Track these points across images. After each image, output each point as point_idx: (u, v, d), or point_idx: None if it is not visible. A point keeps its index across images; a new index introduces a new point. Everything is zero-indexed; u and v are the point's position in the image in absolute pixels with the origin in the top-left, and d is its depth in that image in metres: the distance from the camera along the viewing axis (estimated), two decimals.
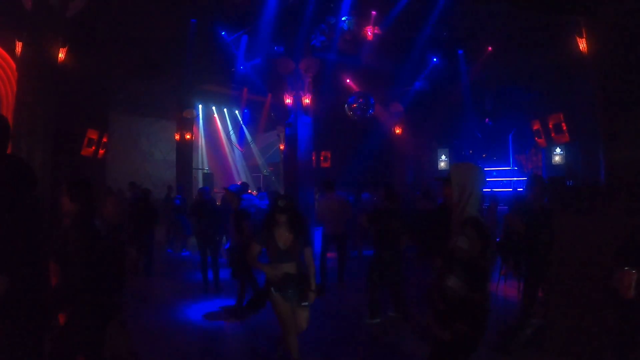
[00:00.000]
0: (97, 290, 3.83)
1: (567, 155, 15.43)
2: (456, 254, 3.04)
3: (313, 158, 21.69)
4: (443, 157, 21.27)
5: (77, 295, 3.74)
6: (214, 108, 25.47)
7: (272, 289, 5.02)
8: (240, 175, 26.23)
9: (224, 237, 13.51)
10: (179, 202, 14.40)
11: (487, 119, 19.59)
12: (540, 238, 5.77)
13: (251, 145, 27.47)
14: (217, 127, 26.28)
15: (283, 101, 18.92)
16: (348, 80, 21.00)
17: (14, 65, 13.04)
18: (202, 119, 24.77)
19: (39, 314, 3.24)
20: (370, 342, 6.86)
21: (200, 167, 23.90)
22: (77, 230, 3.85)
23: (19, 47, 11.78)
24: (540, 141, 16.43)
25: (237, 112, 25.94)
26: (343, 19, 17.36)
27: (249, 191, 14.78)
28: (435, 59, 18.98)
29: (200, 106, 23.81)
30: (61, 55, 11.59)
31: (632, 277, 3.33)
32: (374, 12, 17.88)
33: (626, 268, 3.47)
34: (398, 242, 7.31)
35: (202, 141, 25.27)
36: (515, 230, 6.32)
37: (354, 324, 7.58)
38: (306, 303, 5.13)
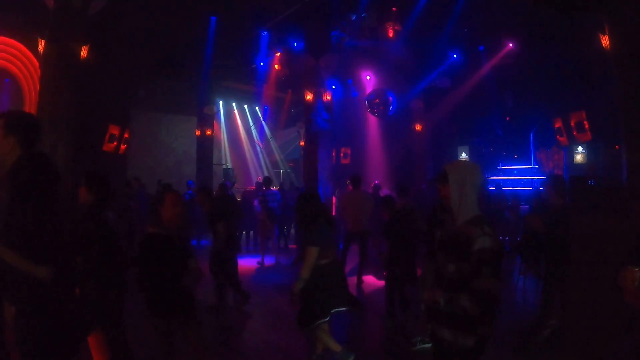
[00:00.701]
0: (107, 272, 4.05)
1: (589, 154, 15.23)
2: (484, 256, 2.87)
3: (333, 154, 21.75)
4: (463, 154, 21.17)
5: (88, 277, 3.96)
6: (234, 104, 25.61)
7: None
8: (259, 172, 26.36)
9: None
10: (188, 197, 14.36)
11: (507, 117, 19.45)
12: (559, 238, 5.71)
13: (271, 142, 27.57)
14: (237, 123, 26.42)
15: (303, 98, 18.97)
16: (368, 77, 20.95)
17: (36, 63, 13.23)
18: (223, 115, 24.93)
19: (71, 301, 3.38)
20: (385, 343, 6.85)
21: (220, 163, 24.03)
22: (87, 220, 4.08)
23: (41, 45, 11.95)
24: (562, 139, 16.23)
25: (257, 108, 26.06)
26: (363, 15, 17.33)
27: (273, 187, 14.75)
28: (455, 56, 18.85)
29: (220, 102, 23.96)
30: (83, 52, 11.73)
31: (635, 274, 3.18)
32: (394, 9, 17.84)
33: (629, 267, 3.34)
34: (413, 241, 7.22)
35: (223, 137, 25.43)
36: (535, 230, 6.27)
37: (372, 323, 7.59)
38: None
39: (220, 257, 7.88)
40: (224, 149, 25.58)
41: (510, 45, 17.32)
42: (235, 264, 8.30)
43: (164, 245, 4.03)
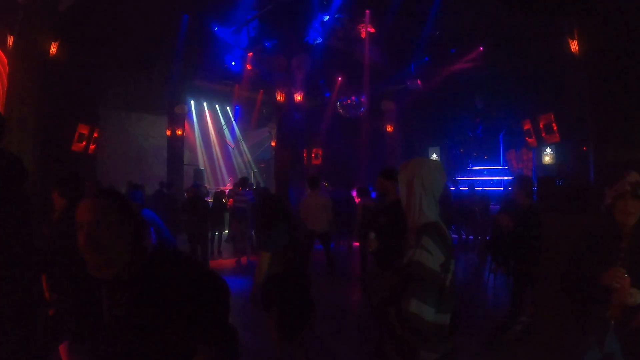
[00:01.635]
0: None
1: (557, 155, 15.52)
2: (415, 272, 2.39)
3: (304, 155, 21.77)
4: (434, 155, 21.36)
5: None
6: (205, 104, 25.42)
7: None
8: (230, 172, 26.27)
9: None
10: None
11: (477, 119, 19.70)
12: (528, 236, 5.82)
13: (242, 142, 27.48)
14: (208, 123, 26.25)
15: (275, 98, 18.95)
16: (340, 78, 21.03)
17: (5, 58, 12.96)
18: (194, 115, 24.73)
19: (26, 311, 3.22)
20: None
21: (191, 163, 23.83)
22: (62, 225, 3.93)
23: (10, 40, 11.73)
24: (531, 141, 16.51)
25: (228, 108, 25.92)
26: (336, 16, 17.39)
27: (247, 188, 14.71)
28: (427, 58, 19.02)
29: (192, 102, 23.78)
30: (53, 49, 11.55)
31: (617, 273, 3.20)
32: (367, 11, 17.93)
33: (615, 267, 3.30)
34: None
35: (194, 137, 25.26)
36: (504, 229, 6.36)
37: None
38: None
39: None
40: (197, 149, 25.41)
41: (481, 48, 17.53)
42: None
43: None
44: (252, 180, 23.63)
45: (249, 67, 19.80)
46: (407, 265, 2.44)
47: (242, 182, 13.49)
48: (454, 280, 2.56)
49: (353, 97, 20.64)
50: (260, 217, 5.16)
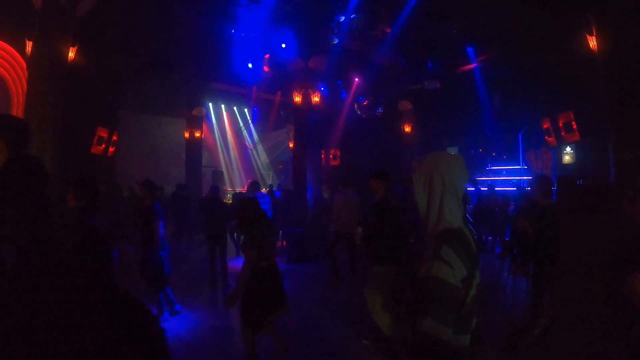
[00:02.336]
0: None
1: (577, 154, 15.33)
2: (432, 287, 2.06)
3: (322, 156, 21.76)
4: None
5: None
6: (223, 106, 25.55)
7: None
8: (249, 174, 26.35)
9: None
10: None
11: (496, 118, 19.55)
12: (546, 238, 5.75)
13: (259, 144, 27.57)
14: (226, 125, 26.37)
15: (292, 99, 18.97)
16: (357, 79, 20.99)
17: (24, 64, 13.15)
18: (213, 117, 24.88)
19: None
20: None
21: (210, 165, 23.96)
22: (73, 227, 4.05)
23: (29, 46, 11.89)
24: (551, 140, 16.33)
25: (246, 110, 26.03)
26: (352, 17, 17.34)
27: (263, 190, 14.78)
28: (443, 57, 18.90)
29: (210, 104, 23.91)
30: (71, 54, 11.68)
31: None
32: (383, 11, 17.85)
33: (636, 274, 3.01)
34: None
35: (213, 139, 25.38)
36: (523, 231, 6.29)
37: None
38: None
39: (154, 262, 7.29)
40: (217, 151, 25.55)
41: (499, 46, 17.38)
42: (162, 268, 7.42)
43: None
44: (271, 181, 23.72)
45: (266, 69, 19.83)
46: (424, 280, 2.10)
47: (253, 186, 13.40)
48: (478, 297, 2.21)
49: (370, 98, 20.59)
50: (243, 219, 5.50)
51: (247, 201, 5.72)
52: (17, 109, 13.47)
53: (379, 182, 6.21)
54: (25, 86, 11.89)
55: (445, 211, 2.21)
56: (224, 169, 25.10)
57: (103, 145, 15.64)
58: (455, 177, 2.23)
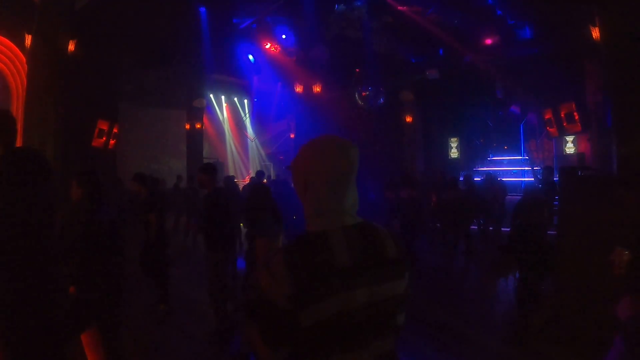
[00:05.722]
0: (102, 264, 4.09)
1: (578, 145, 15.30)
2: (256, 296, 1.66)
3: None
4: (454, 145, 21.22)
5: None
6: (223, 97, 25.44)
7: None
8: (249, 165, 26.31)
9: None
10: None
11: (498, 108, 19.50)
12: (533, 227, 5.81)
13: (260, 135, 27.50)
14: (227, 117, 26.29)
15: (293, 90, 18.93)
16: (358, 69, 20.93)
17: (23, 58, 13.10)
18: (214, 108, 24.80)
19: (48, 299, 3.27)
20: None
21: (211, 157, 23.93)
22: (77, 213, 4.14)
23: (28, 40, 11.84)
24: (552, 130, 16.29)
25: (246, 101, 25.95)
26: (354, 5, 17.28)
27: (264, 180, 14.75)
28: (444, 48, 18.84)
29: (210, 95, 23.81)
30: (70, 47, 11.64)
31: (622, 256, 3.35)
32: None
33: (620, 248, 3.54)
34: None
35: (213, 131, 25.32)
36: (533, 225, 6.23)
37: None
38: None
39: (152, 253, 7.21)
40: (218, 142, 25.49)
41: (501, 36, 17.30)
42: (165, 262, 7.40)
43: None
44: (270, 172, 23.68)
45: (267, 58, 19.78)
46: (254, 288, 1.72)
47: (259, 176, 13.46)
48: (360, 322, 1.61)
49: (371, 88, 20.53)
50: (251, 208, 5.71)
51: (254, 189, 5.83)
52: (17, 103, 13.44)
53: (206, 176, 6.24)
54: (25, 80, 11.88)
55: (313, 210, 1.75)
56: (225, 160, 25.05)
57: (104, 138, 15.60)
58: (322, 165, 1.76)
